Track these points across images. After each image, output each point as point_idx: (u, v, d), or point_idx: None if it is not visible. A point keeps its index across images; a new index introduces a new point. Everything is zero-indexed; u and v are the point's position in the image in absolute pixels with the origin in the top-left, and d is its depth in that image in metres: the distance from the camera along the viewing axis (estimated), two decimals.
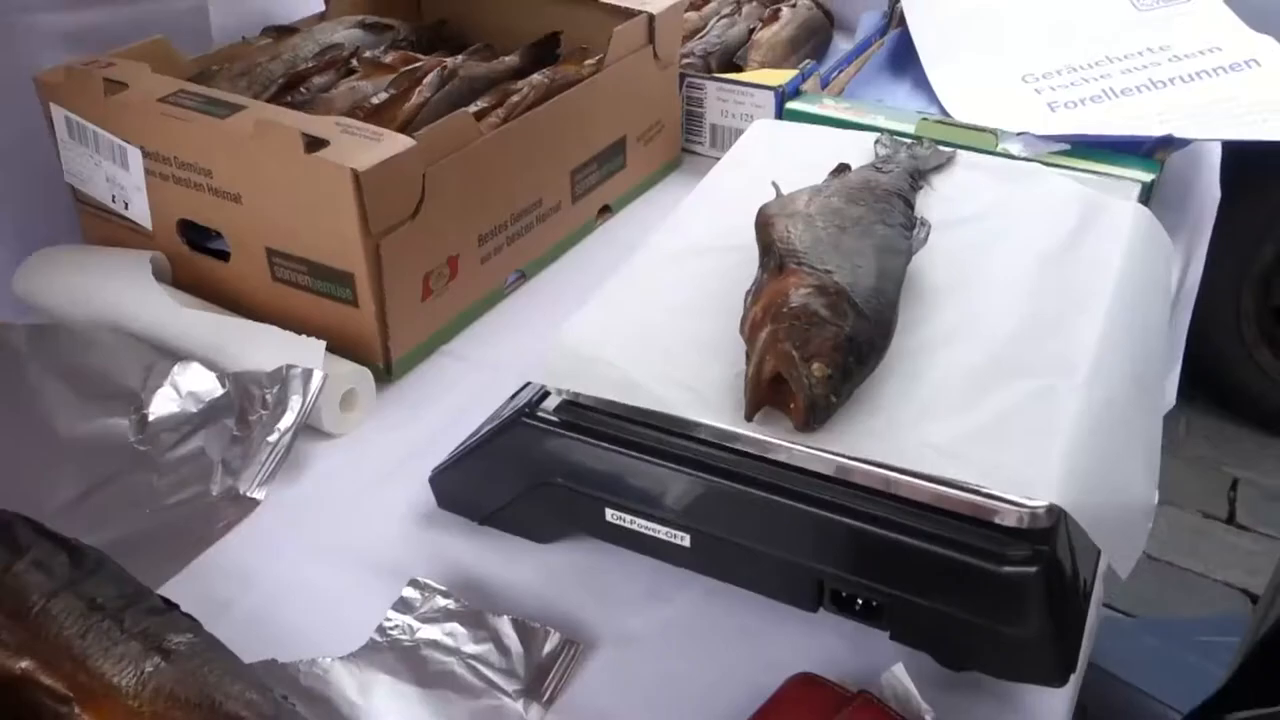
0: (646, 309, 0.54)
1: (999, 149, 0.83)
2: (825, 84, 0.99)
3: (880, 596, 0.47)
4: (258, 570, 0.55)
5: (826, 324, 0.46)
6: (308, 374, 0.60)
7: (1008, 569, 0.42)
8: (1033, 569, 0.42)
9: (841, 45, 1.14)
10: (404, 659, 0.50)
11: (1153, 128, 0.90)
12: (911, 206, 0.59)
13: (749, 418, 0.46)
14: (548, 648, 0.50)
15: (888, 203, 0.57)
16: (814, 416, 0.45)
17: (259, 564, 0.55)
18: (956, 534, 0.44)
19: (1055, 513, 0.42)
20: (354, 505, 0.59)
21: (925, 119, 0.86)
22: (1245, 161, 1.07)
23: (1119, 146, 0.84)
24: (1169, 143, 0.85)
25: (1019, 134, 0.85)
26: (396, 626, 0.51)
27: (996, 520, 0.43)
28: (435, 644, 0.50)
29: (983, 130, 0.84)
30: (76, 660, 0.45)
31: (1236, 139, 0.97)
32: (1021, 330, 0.52)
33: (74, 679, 0.44)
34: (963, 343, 0.51)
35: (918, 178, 0.64)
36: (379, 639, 0.50)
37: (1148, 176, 0.80)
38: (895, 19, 1.14)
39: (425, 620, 0.51)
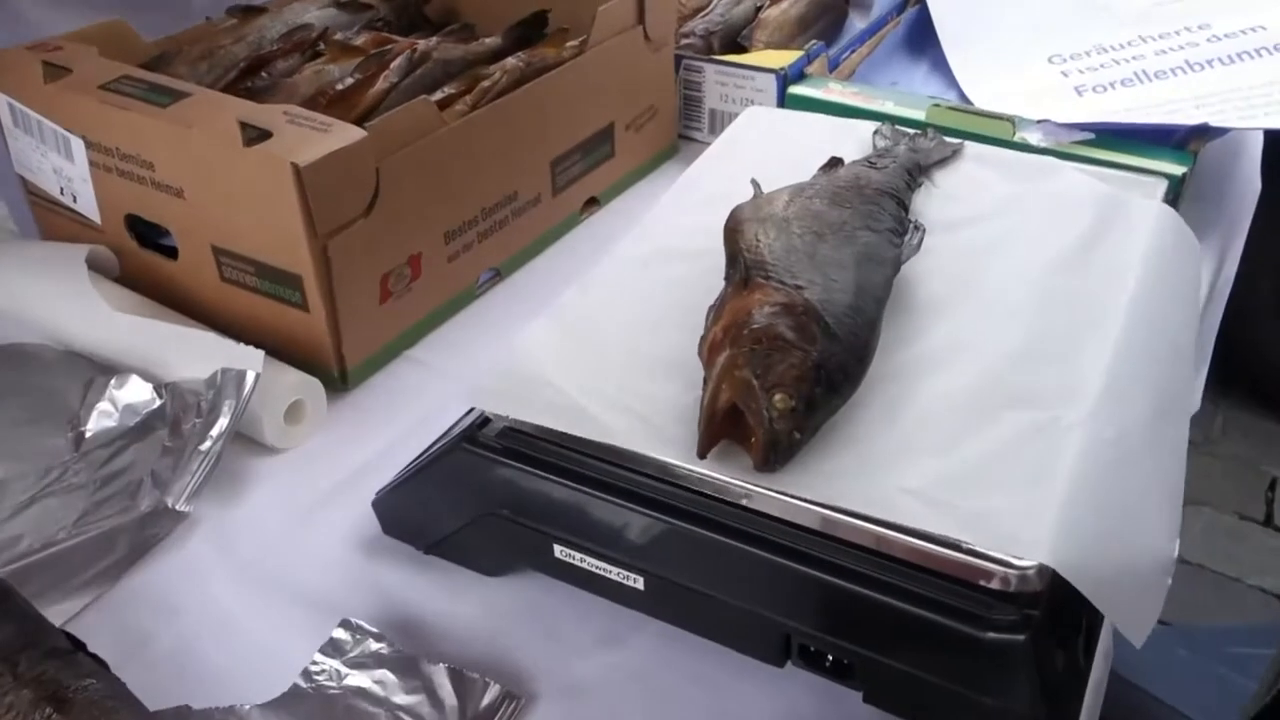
0: (602, 323, 0.49)
1: (1016, 138, 0.77)
2: (834, 66, 0.93)
3: (851, 655, 0.41)
4: (181, 601, 0.51)
5: (792, 348, 0.40)
6: (240, 376, 0.55)
7: (991, 635, 0.37)
8: (1020, 636, 0.37)
9: (856, 24, 1.07)
10: (328, 709, 0.45)
11: (1188, 114, 0.83)
12: (905, 208, 0.53)
13: (701, 455, 0.41)
14: (485, 700, 0.45)
15: (877, 204, 0.51)
16: (775, 455, 0.39)
17: (183, 594, 0.51)
18: (936, 593, 0.38)
19: (1047, 573, 0.37)
20: (293, 528, 0.55)
21: (937, 105, 0.80)
22: None
23: (1149, 136, 0.77)
24: (1204, 132, 0.78)
25: (1039, 122, 0.78)
26: (323, 671, 0.46)
27: (986, 583, 0.38)
28: (363, 693, 0.46)
29: (999, 118, 0.78)
30: None
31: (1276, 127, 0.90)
32: (1022, 352, 0.46)
33: None
34: (953, 367, 0.45)
35: (916, 174, 0.58)
36: (303, 684, 0.46)
37: (1178, 169, 0.73)
38: None
39: (355, 665, 0.46)
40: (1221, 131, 0.79)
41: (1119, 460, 0.41)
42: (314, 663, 0.47)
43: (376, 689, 0.46)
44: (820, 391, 0.40)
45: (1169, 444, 0.44)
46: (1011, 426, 0.42)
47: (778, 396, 0.39)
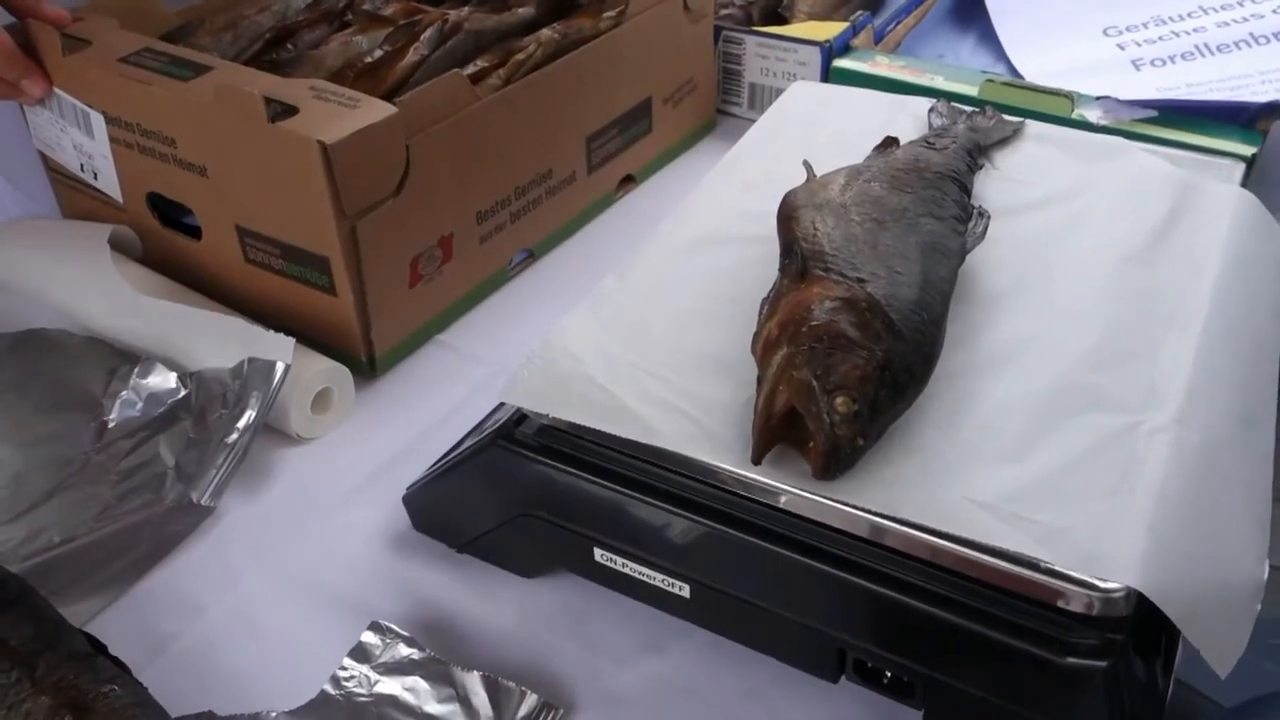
0: (645, 313, 0.46)
1: (1075, 115, 0.73)
2: (879, 38, 0.89)
3: (913, 674, 0.39)
4: (204, 600, 0.49)
5: (855, 347, 0.38)
6: (269, 366, 0.53)
7: (1071, 660, 0.34)
8: (1101, 663, 0.34)
9: None
10: (357, 717, 0.43)
11: (1255, 89, 0.79)
12: (968, 192, 0.50)
13: (756, 461, 0.38)
14: (522, 711, 0.43)
15: (939, 188, 0.48)
16: (835, 462, 0.37)
17: (206, 593, 0.49)
18: (1008, 612, 0.36)
19: (1133, 596, 0.34)
20: (320, 524, 0.53)
21: (991, 80, 0.76)
22: None
23: (1215, 114, 0.73)
24: (1273, 110, 0.74)
25: (1099, 98, 0.74)
26: (353, 677, 0.44)
27: (1066, 605, 0.35)
28: (394, 701, 0.43)
29: (1057, 94, 0.74)
30: None
31: None
32: (1096, 350, 0.43)
33: None
34: (1021, 366, 0.42)
35: (977, 155, 0.55)
36: (332, 691, 0.44)
37: (1248, 150, 0.69)
38: None
39: (385, 672, 0.44)
40: None
41: (1206, 470, 0.38)
42: (343, 668, 0.44)
43: (408, 697, 0.43)
44: (885, 394, 0.37)
45: (1257, 451, 0.41)
46: (1088, 432, 0.39)
47: (839, 399, 0.36)
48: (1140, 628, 0.35)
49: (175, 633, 0.47)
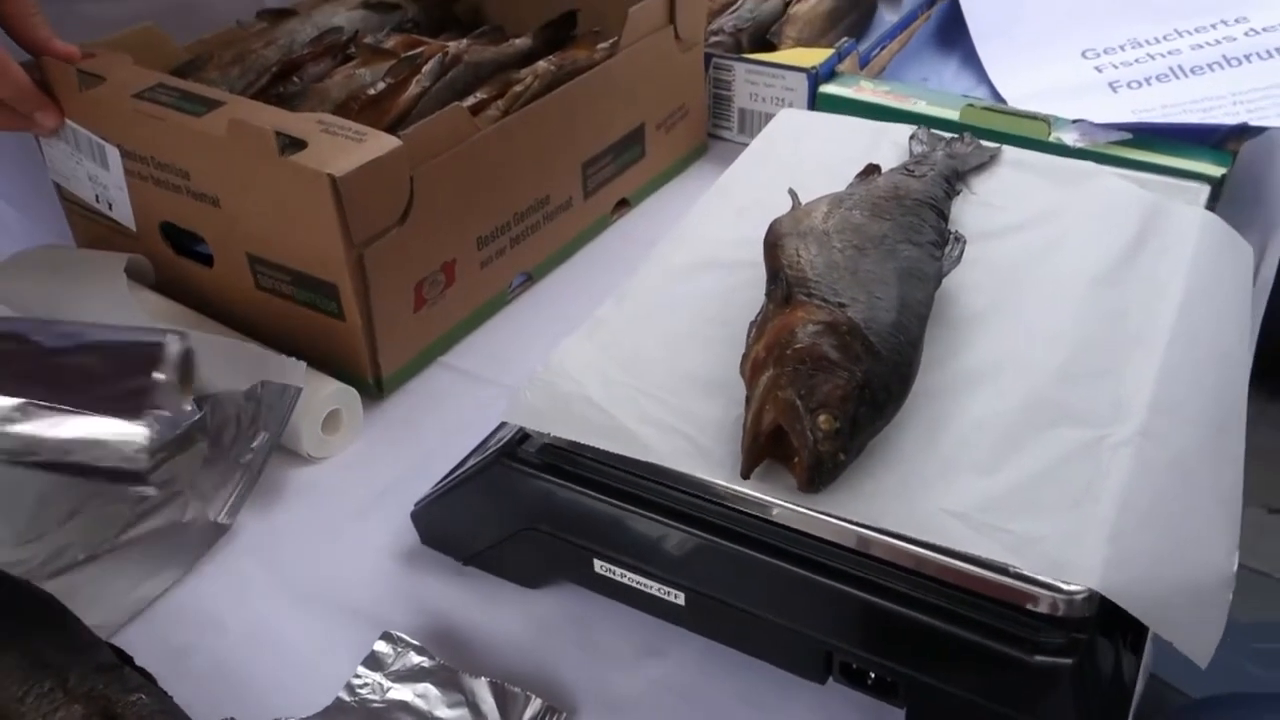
0: (640, 336, 0.49)
1: (1052, 138, 0.76)
2: (865, 63, 0.92)
3: (895, 674, 0.41)
4: (223, 613, 0.51)
5: (836, 368, 0.40)
6: (282, 389, 0.56)
7: (1039, 658, 0.37)
8: (1067, 660, 0.36)
9: (887, 18, 1.06)
10: None
11: (1227, 111, 0.82)
12: (945, 218, 0.53)
13: (745, 475, 0.40)
14: (528, 714, 0.45)
15: (917, 215, 0.50)
16: (819, 476, 0.39)
17: (225, 606, 0.51)
18: (981, 615, 0.38)
19: (1096, 598, 0.37)
20: (333, 539, 0.55)
21: (971, 105, 0.79)
22: None
23: (1187, 136, 0.76)
24: (1243, 131, 0.77)
25: (1075, 122, 0.77)
26: (366, 685, 0.47)
27: (1034, 607, 0.37)
28: (406, 706, 0.46)
29: (1035, 118, 0.77)
30: None
31: None
32: (1066, 368, 0.46)
33: None
34: (995, 384, 0.45)
35: (955, 180, 0.57)
36: (347, 698, 0.46)
37: (1218, 170, 0.72)
38: None
39: (397, 679, 0.47)
40: (1260, 130, 0.78)
41: (1171, 477, 0.41)
42: (356, 676, 0.47)
43: (419, 703, 0.46)
44: (865, 412, 0.40)
45: (1226, 457, 0.44)
46: (1057, 445, 0.42)
47: (822, 417, 0.39)
48: (1105, 627, 0.38)
49: (195, 644, 0.50)
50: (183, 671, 0.48)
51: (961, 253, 0.50)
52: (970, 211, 0.57)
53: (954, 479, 0.41)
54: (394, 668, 0.47)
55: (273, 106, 0.63)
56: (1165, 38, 0.95)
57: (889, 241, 0.47)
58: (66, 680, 0.43)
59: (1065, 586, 0.37)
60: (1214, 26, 0.95)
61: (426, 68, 0.71)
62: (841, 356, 0.41)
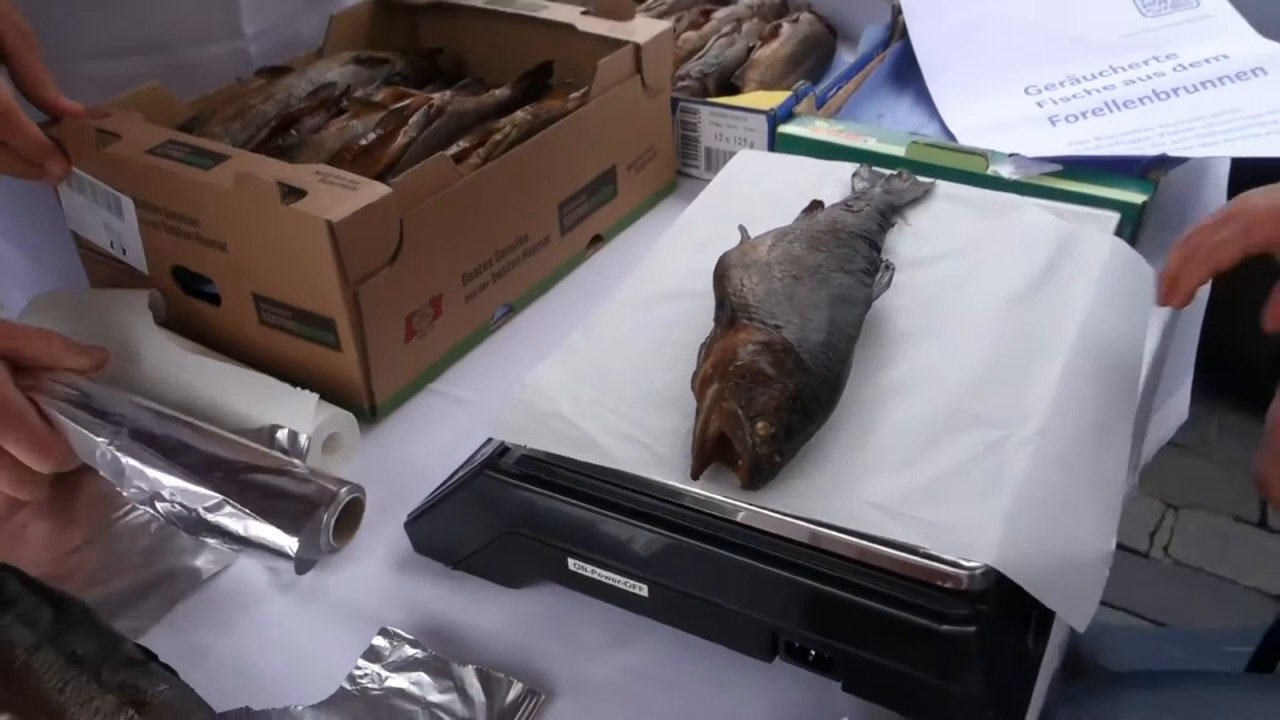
0: (607, 360, 0.55)
1: (990, 171, 0.82)
2: (822, 103, 0.99)
3: (830, 650, 0.47)
4: (235, 617, 0.57)
5: (772, 382, 0.46)
6: (294, 436, 0.62)
7: (946, 628, 0.43)
8: (971, 628, 0.42)
9: (846, 58, 1.14)
10: (372, 708, 0.51)
11: (1154, 142, 0.89)
12: (878, 249, 0.59)
13: (695, 476, 0.46)
14: (510, 697, 0.51)
15: (851, 246, 0.57)
16: (759, 475, 0.45)
17: (237, 610, 0.57)
18: (901, 593, 0.44)
19: (994, 574, 0.43)
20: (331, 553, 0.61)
21: (916, 142, 0.86)
22: (1267, 168, 1.05)
23: (1113, 165, 0.83)
24: (1163, 161, 0.83)
25: (1010, 155, 0.84)
26: (366, 675, 0.52)
27: (942, 582, 0.43)
28: (402, 693, 0.51)
29: (973, 153, 0.84)
30: (54, 714, 0.47)
31: (1231, 155, 0.96)
32: (980, 378, 0.52)
33: None
34: (918, 392, 0.51)
35: (889, 214, 0.64)
36: (349, 687, 0.52)
37: (1140, 197, 0.79)
38: (898, 31, 1.13)
39: (393, 669, 0.52)
40: (1179, 160, 0.85)
41: (1061, 471, 0.47)
42: (357, 668, 0.53)
43: (414, 689, 0.51)
44: (797, 419, 0.46)
45: (1111, 454, 0.50)
46: (967, 445, 0.48)
47: (760, 424, 0.45)
48: (1006, 599, 0.44)
49: (212, 644, 0.55)
50: (202, 667, 0.53)
51: (890, 279, 0.56)
52: (904, 241, 0.64)
53: (876, 476, 0.47)
54: (391, 659, 0.53)
55: (273, 159, 0.69)
56: (1101, 74, 1.03)
57: (823, 270, 0.54)
58: (100, 673, 0.49)
59: (967, 564, 0.43)
60: (1146, 63, 1.02)
61: (413, 119, 0.77)
62: (776, 372, 0.47)
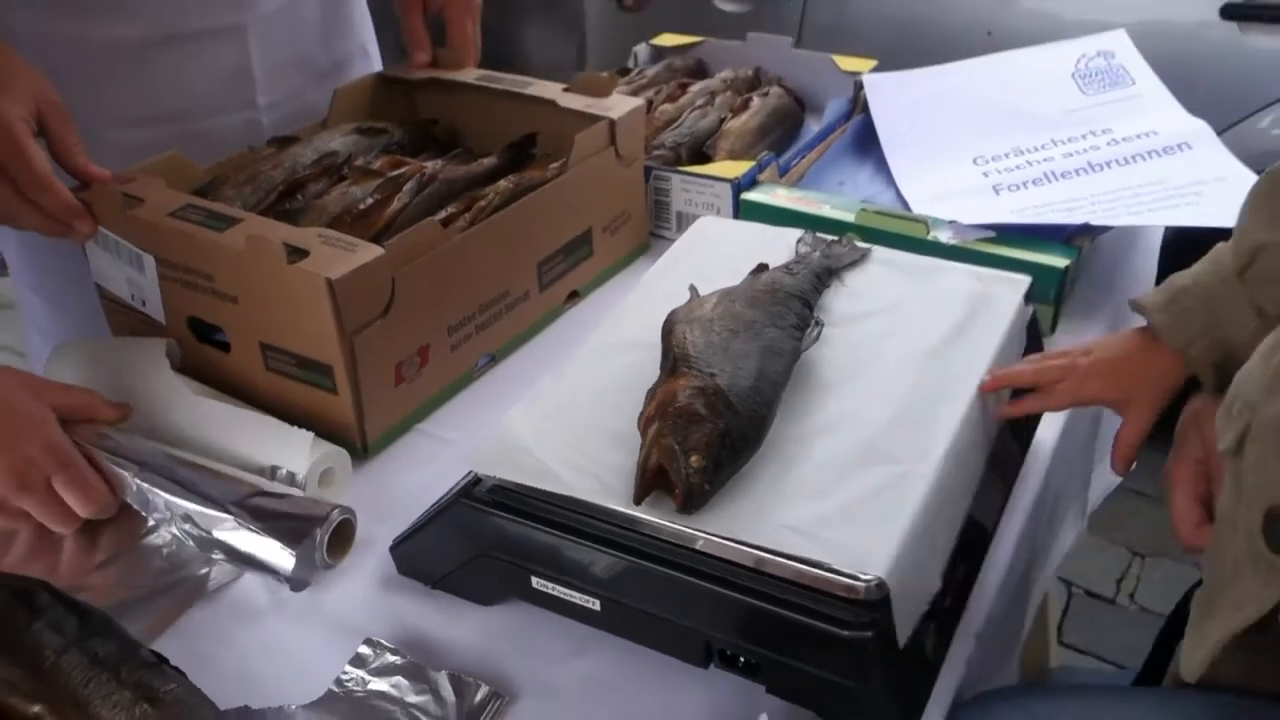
0: (570, 403, 0.63)
1: (930, 236, 0.91)
2: (785, 170, 1.08)
3: (755, 656, 0.54)
4: (237, 629, 0.64)
5: (705, 421, 0.54)
6: (292, 476, 0.69)
7: (847, 633, 0.50)
8: (869, 633, 0.50)
9: (814, 128, 1.22)
10: (356, 708, 0.58)
11: (1086, 210, 0.97)
12: (811, 307, 0.67)
13: (637, 502, 0.54)
14: (477, 698, 0.58)
15: (785, 305, 0.65)
16: (692, 502, 0.53)
17: (239, 622, 0.64)
18: (810, 603, 0.51)
19: (886, 586, 0.50)
20: (326, 569, 0.68)
21: (865, 209, 0.94)
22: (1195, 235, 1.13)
23: (1043, 232, 0.91)
24: (1088, 229, 0.92)
25: (949, 222, 0.92)
26: (351, 679, 0.59)
27: (843, 594, 0.51)
28: (383, 695, 0.58)
29: (915, 219, 0.92)
30: (80, 706, 0.55)
31: (1152, 224, 1.05)
32: (892, 421, 0.59)
33: None
34: (837, 432, 0.59)
35: (826, 277, 0.72)
36: (336, 690, 0.59)
37: (1064, 262, 0.87)
38: (860, 105, 1.22)
39: (376, 674, 0.59)
40: (1102, 229, 0.93)
41: (940, 502, 0.54)
42: (344, 673, 0.60)
43: (393, 691, 0.58)
44: (726, 454, 0.54)
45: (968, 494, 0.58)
46: (874, 478, 0.55)
47: (693, 458, 0.53)
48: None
49: (215, 652, 0.62)
50: (207, 672, 0.60)
51: (819, 334, 0.64)
52: (839, 300, 0.72)
53: (796, 503, 0.54)
54: (374, 665, 0.60)
55: (281, 221, 0.77)
56: (1043, 146, 1.12)
57: (757, 326, 0.62)
58: (119, 672, 0.56)
59: (864, 577, 0.50)
60: (1084, 137, 1.11)
61: (407, 186, 0.86)
62: (709, 413, 0.54)
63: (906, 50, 1.39)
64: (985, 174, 1.09)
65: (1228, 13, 1.56)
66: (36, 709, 0.55)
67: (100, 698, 0.55)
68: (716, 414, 0.54)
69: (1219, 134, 1.34)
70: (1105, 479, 1.08)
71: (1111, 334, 0.68)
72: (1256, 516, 0.51)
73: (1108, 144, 1.09)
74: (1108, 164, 1.07)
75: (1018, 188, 1.06)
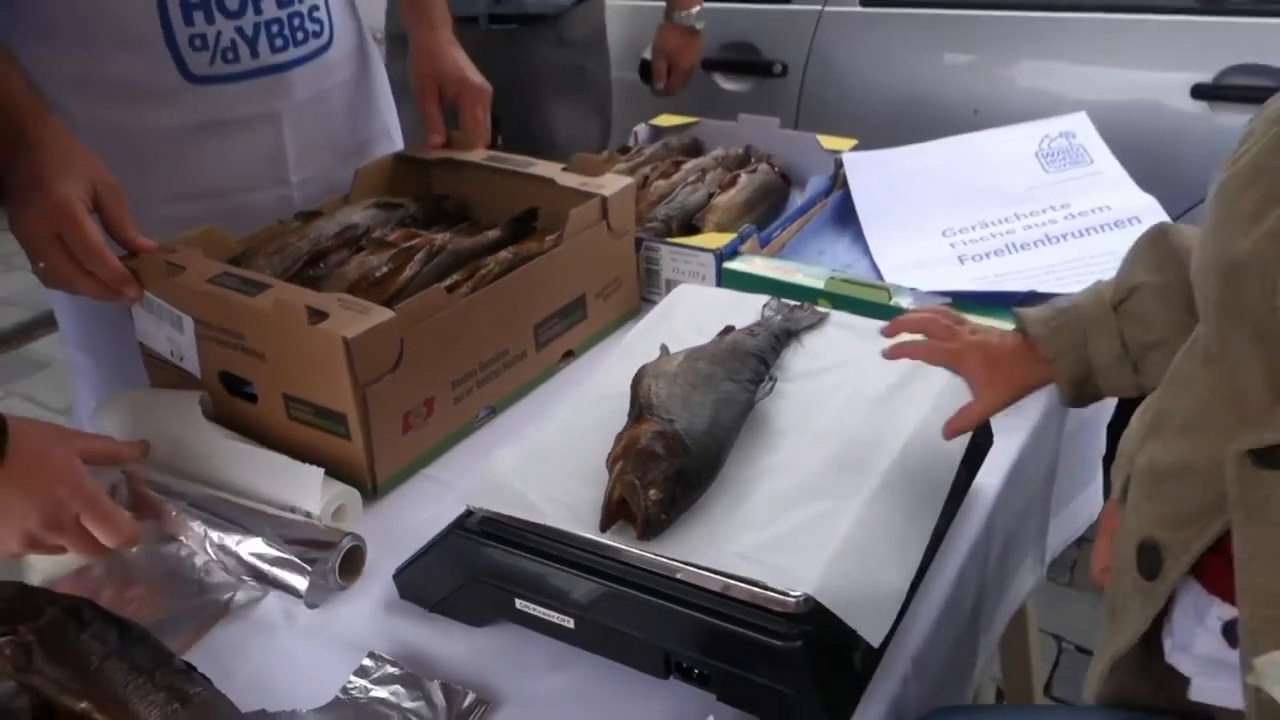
0: (552, 445, 0.72)
1: (892, 302, 1.00)
2: (767, 241, 1.17)
3: (706, 667, 0.62)
4: (256, 643, 0.72)
5: (663, 460, 0.63)
6: (309, 513, 0.78)
7: (780, 644, 0.58)
8: (798, 643, 0.57)
9: (798, 201, 1.32)
10: (359, 712, 0.66)
11: (1040, 279, 1.06)
12: (767, 365, 0.76)
13: (602, 529, 0.63)
14: (465, 704, 0.66)
15: (743, 362, 0.74)
16: (650, 529, 0.61)
17: (257, 639, 0.73)
18: (750, 618, 0.59)
19: (814, 601, 0.58)
20: (336, 594, 0.76)
21: (834, 277, 1.03)
22: None
23: (992, 300, 1.00)
24: (1034, 296, 1.00)
25: (910, 289, 1.01)
26: (355, 687, 0.68)
27: (777, 609, 0.59)
28: (383, 701, 0.67)
29: (878, 287, 1.01)
30: (120, 704, 0.63)
31: None
32: (830, 463, 0.68)
33: (118, 717, 0.62)
34: (782, 473, 0.67)
35: (785, 338, 0.81)
36: (342, 696, 0.67)
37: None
38: (840, 181, 1.32)
39: (377, 683, 0.68)
40: (1047, 296, 1.02)
41: (874, 530, 0.63)
42: (349, 682, 0.68)
43: (392, 698, 0.67)
44: (681, 489, 0.63)
45: (919, 521, 0.66)
46: (812, 512, 0.64)
47: (652, 492, 0.61)
48: (831, 624, 0.59)
49: (237, 664, 0.71)
50: (229, 680, 0.68)
51: (772, 388, 0.73)
52: (797, 359, 0.81)
53: (741, 532, 0.63)
54: (375, 675, 0.68)
55: (304, 288, 0.87)
56: (1006, 220, 1.21)
57: (715, 380, 0.71)
58: (154, 677, 0.65)
59: (794, 593, 0.58)
60: (1044, 211, 1.21)
61: (418, 256, 0.96)
62: (666, 453, 0.63)
63: (898, 126, 1.49)
64: (953, 245, 1.18)
65: (1198, 93, 1.66)
66: (83, 705, 0.63)
67: (138, 697, 0.63)
68: (674, 454, 0.63)
69: (1190, 209, 1.43)
70: (1066, 530, 1.15)
71: (1000, 331, 0.76)
72: (1133, 551, 0.59)
73: (1065, 218, 1.18)
74: (1064, 236, 1.16)
75: (981, 258, 1.15)
